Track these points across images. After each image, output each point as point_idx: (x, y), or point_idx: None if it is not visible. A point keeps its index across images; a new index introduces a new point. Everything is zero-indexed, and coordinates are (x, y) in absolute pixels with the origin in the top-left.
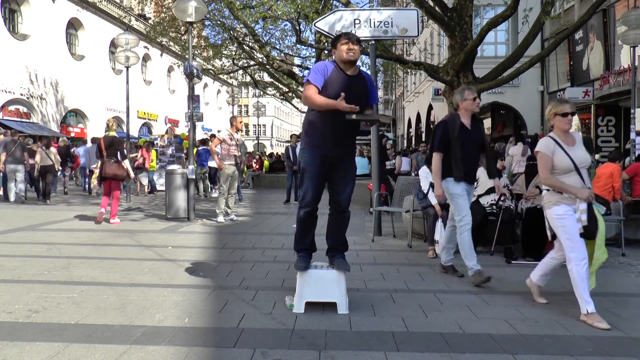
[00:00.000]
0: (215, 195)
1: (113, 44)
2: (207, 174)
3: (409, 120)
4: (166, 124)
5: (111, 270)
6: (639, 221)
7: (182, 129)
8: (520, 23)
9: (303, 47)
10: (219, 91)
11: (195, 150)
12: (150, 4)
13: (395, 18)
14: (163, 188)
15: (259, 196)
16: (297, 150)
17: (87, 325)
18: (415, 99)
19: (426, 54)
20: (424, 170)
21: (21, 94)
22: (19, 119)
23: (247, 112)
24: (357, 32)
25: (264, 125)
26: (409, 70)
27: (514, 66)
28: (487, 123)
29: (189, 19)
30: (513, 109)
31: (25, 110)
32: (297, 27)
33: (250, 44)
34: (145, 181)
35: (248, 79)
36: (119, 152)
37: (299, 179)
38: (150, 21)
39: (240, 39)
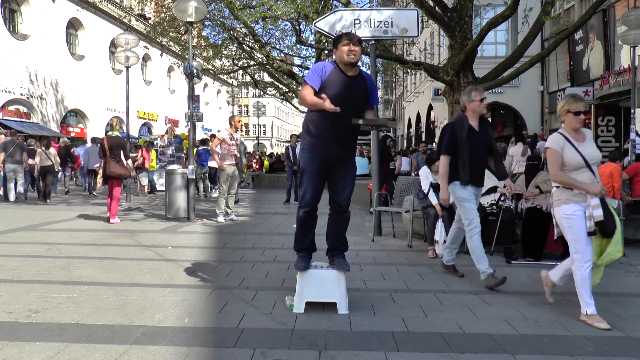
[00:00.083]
0: (215, 195)
1: (113, 44)
2: (207, 174)
3: (409, 120)
4: (166, 124)
5: (111, 270)
6: (639, 221)
7: (182, 129)
8: (520, 23)
9: (303, 47)
10: (219, 91)
11: (195, 150)
12: (150, 4)
13: (395, 18)
14: (163, 188)
15: (259, 196)
16: (297, 150)
17: (87, 325)
18: (415, 99)
19: (426, 54)
20: (424, 170)
21: (21, 94)
22: (19, 119)
23: (247, 112)
24: (357, 32)
25: (264, 125)
26: (409, 70)
27: (514, 66)
28: None
29: (189, 19)
30: (513, 109)
31: (25, 110)
32: (297, 27)
33: (250, 44)
34: (145, 181)
35: (248, 79)
36: (122, 152)
37: (298, 179)
38: (150, 21)
39: (240, 39)
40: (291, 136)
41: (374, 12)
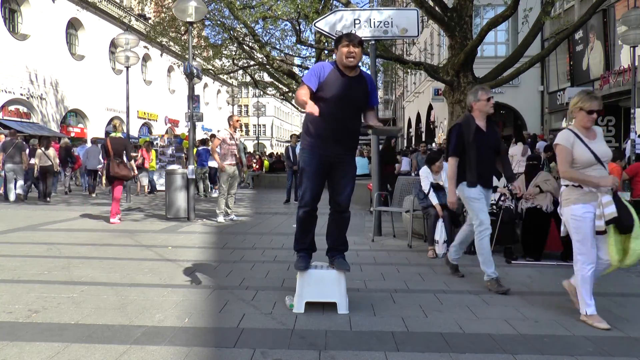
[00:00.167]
0: (215, 195)
1: (113, 44)
2: (207, 174)
3: (409, 120)
4: (166, 124)
5: (111, 270)
6: None
7: (182, 129)
8: (520, 23)
9: (303, 47)
10: (219, 91)
11: (195, 150)
12: (150, 4)
13: (395, 18)
14: (163, 188)
15: (259, 196)
16: (297, 150)
17: (87, 325)
18: (415, 99)
19: (426, 54)
20: (424, 170)
21: (21, 94)
22: (19, 119)
23: (247, 112)
24: (357, 32)
25: (264, 125)
26: (409, 70)
27: (514, 66)
28: None
29: (189, 19)
30: (513, 108)
31: (25, 110)
32: (297, 27)
33: (250, 44)
34: (145, 181)
35: (248, 79)
36: (125, 153)
37: (298, 179)
38: (150, 21)
39: (240, 39)
40: (291, 136)
41: (374, 12)
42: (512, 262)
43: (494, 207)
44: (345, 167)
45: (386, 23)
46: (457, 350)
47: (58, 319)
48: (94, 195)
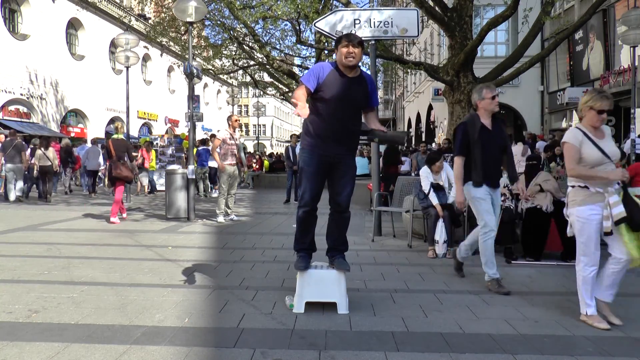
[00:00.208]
0: (215, 195)
1: (113, 44)
2: (207, 174)
3: (409, 120)
4: (166, 124)
5: (111, 270)
6: None
7: (182, 129)
8: (520, 23)
9: (303, 47)
10: (219, 91)
11: (195, 150)
12: (150, 4)
13: (396, 18)
14: (163, 188)
15: (259, 196)
16: (297, 150)
17: (87, 325)
18: (415, 99)
19: (426, 54)
20: (424, 170)
21: (21, 94)
22: (19, 119)
23: (247, 112)
24: (358, 32)
25: (264, 125)
26: (409, 70)
27: (514, 66)
28: None
29: (189, 19)
30: (513, 108)
31: (25, 110)
32: (297, 27)
33: (250, 44)
34: (145, 181)
35: (248, 79)
36: (127, 154)
37: (298, 179)
38: (150, 21)
39: (240, 39)
40: (291, 136)
41: (374, 12)
42: (512, 262)
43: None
44: (344, 167)
45: (386, 23)
46: (457, 350)
47: (58, 319)
48: (93, 195)
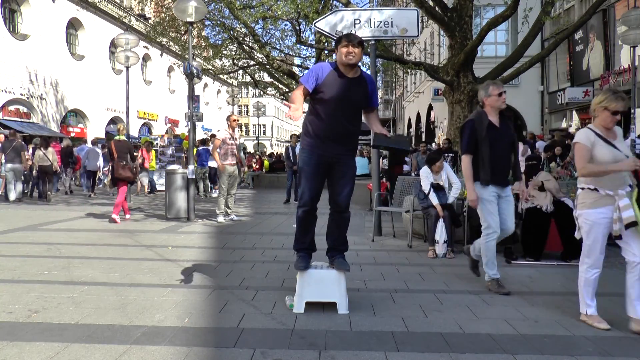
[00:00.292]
0: (215, 195)
1: (113, 44)
2: (207, 174)
3: (409, 120)
4: (166, 124)
5: (111, 270)
6: None
7: (182, 129)
8: (520, 23)
9: (303, 47)
10: (219, 91)
11: (195, 150)
12: (150, 4)
13: (396, 18)
14: (163, 188)
15: (259, 196)
16: (297, 150)
17: (87, 325)
18: (415, 99)
19: (426, 54)
20: (424, 170)
21: (21, 94)
22: (19, 119)
23: (247, 112)
24: (358, 32)
25: (264, 125)
26: (409, 70)
27: (514, 66)
28: None
29: (189, 19)
30: (513, 109)
31: (25, 110)
32: (297, 27)
33: (250, 44)
34: (145, 181)
35: (248, 79)
36: (129, 155)
37: (298, 179)
38: (150, 21)
39: (240, 39)
40: (291, 136)
41: (374, 12)
42: (512, 262)
43: None
44: (344, 167)
45: (386, 23)
46: (457, 350)
47: (58, 319)
48: (93, 195)
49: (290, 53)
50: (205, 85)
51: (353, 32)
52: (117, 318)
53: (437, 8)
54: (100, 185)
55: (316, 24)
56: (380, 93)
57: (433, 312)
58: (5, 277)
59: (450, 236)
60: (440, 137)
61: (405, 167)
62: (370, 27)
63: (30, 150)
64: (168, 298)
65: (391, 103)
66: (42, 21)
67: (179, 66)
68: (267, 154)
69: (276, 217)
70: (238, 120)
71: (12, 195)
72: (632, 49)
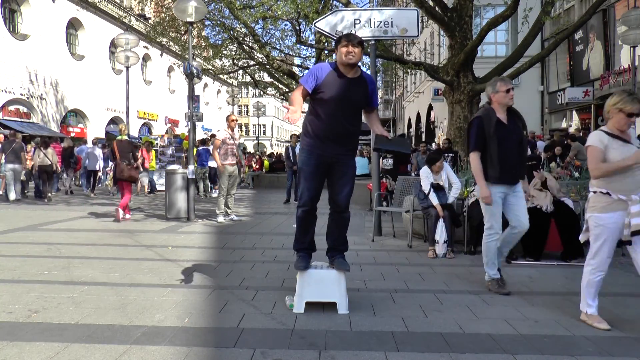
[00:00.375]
0: (215, 195)
1: (113, 44)
2: (207, 174)
3: (409, 120)
4: (166, 124)
5: (111, 270)
6: None
7: (182, 129)
8: (520, 23)
9: (303, 47)
10: (219, 91)
11: (195, 150)
12: (150, 4)
13: (396, 18)
14: (163, 188)
15: (259, 196)
16: (297, 150)
17: (87, 325)
18: (415, 99)
19: (426, 54)
20: (424, 170)
21: (21, 94)
22: (19, 119)
23: (247, 112)
24: (358, 32)
25: (264, 125)
26: (409, 70)
27: (514, 66)
28: None
29: (189, 19)
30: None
31: (25, 110)
32: (297, 27)
33: (250, 44)
34: (145, 181)
35: (248, 79)
36: (131, 155)
37: (297, 179)
38: (150, 21)
39: (240, 39)
40: (291, 136)
41: (374, 12)
42: (512, 262)
43: None
44: (344, 167)
45: (386, 23)
46: (457, 350)
47: (58, 319)
48: (93, 195)
49: (290, 53)
50: (205, 85)
51: (353, 32)
52: (117, 318)
53: (437, 8)
54: (100, 185)
55: (316, 24)
56: (380, 93)
57: (433, 312)
58: (5, 277)
59: (450, 236)
60: (440, 137)
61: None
62: (370, 27)
63: (32, 150)
64: (168, 298)
65: (391, 103)
66: (42, 21)
67: (179, 66)
68: (267, 154)
69: (276, 217)
70: (237, 120)
71: (12, 195)
72: (632, 49)
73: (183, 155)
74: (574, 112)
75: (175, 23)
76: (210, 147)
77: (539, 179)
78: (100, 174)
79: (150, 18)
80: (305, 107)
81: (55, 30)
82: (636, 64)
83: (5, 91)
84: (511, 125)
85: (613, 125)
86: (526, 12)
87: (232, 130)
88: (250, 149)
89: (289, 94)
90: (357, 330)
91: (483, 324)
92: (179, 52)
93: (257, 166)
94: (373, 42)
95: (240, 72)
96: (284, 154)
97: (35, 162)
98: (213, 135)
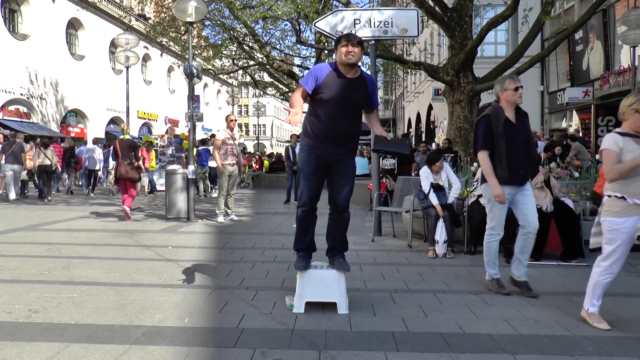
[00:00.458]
0: (215, 195)
1: (113, 44)
2: (207, 174)
3: (409, 120)
4: (166, 124)
5: (111, 270)
6: None
7: (182, 129)
8: (520, 23)
9: (303, 47)
10: (219, 91)
11: (195, 150)
12: (150, 4)
13: (396, 18)
14: (163, 188)
15: (259, 196)
16: (297, 150)
17: (87, 325)
18: (415, 99)
19: (426, 54)
20: (424, 171)
21: (21, 94)
22: (19, 119)
23: (247, 112)
24: (358, 32)
25: (264, 125)
26: (409, 70)
27: (514, 66)
28: None
29: (189, 19)
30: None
31: (25, 110)
32: (297, 27)
33: (250, 44)
34: (145, 181)
35: (248, 79)
36: (133, 154)
37: (297, 179)
38: (150, 21)
39: (240, 39)
40: (291, 136)
41: (374, 12)
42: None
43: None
44: (343, 167)
45: (386, 23)
46: (457, 350)
47: (58, 319)
48: (93, 195)
49: (290, 53)
50: (205, 85)
51: (353, 32)
52: (117, 318)
53: (437, 8)
54: (100, 184)
55: (316, 24)
56: (380, 93)
57: (433, 312)
58: (5, 277)
59: (450, 236)
60: (440, 137)
61: None
62: (371, 27)
63: (34, 150)
64: (168, 298)
65: (391, 103)
66: (42, 21)
67: (179, 66)
68: (267, 154)
69: (276, 217)
70: (236, 120)
71: (12, 195)
72: (632, 49)
73: (183, 155)
74: (574, 112)
75: (175, 23)
76: (211, 147)
77: (543, 175)
78: (100, 172)
79: (150, 18)
80: (306, 107)
81: (55, 30)
82: (636, 64)
83: (5, 91)
84: (519, 124)
85: (629, 127)
86: (526, 12)
87: (232, 130)
88: (250, 149)
89: (289, 94)
90: (357, 330)
91: (483, 324)
92: (179, 52)
93: (257, 166)
94: (373, 42)
95: (240, 72)
96: (284, 154)
97: (35, 162)
98: (213, 135)
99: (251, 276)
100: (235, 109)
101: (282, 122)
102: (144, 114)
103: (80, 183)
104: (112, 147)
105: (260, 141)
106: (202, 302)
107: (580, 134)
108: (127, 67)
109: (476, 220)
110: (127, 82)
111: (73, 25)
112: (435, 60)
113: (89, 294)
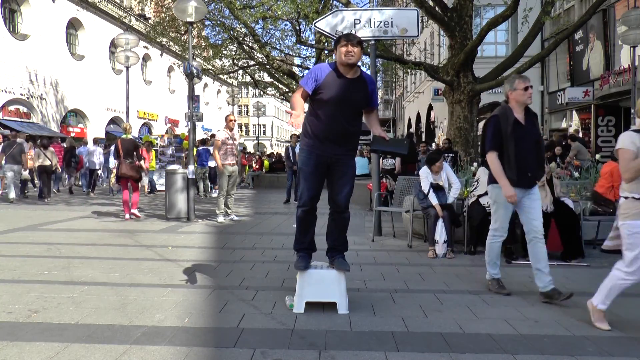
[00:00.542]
0: (215, 195)
1: (113, 44)
2: (207, 174)
3: (409, 120)
4: (166, 124)
5: (111, 270)
6: None
7: (182, 129)
8: (520, 23)
9: (303, 47)
10: (219, 91)
11: (195, 150)
12: (150, 4)
13: (396, 18)
14: (163, 188)
15: (259, 196)
16: (297, 150)
17: (87, 325)
18: (415, 99)
19: (426, 54)
20: (424, 171)
21: (21, 94)
22: (19, 119)
23: (247, 112)
24: (358, 32)
25: (264, 125)
26: (409, 70)
27: (514, 66)
28: None
29: (189, 19)
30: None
31: (25, 110)
32: (297, 27)
33: (250, 44)
34: (145, 181)
35: (248, 79)
36: (135, 154)
37: (297, 179)
38: (150, 21)
39: (240, 39)
40: (291, 136)
41: (374, 12)
42: (512, 262)
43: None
44: (343, 167)
45: (386, 23)
46: (457, 350)
47: (58, 319)
48: (93, 194)
49: (290, 53)
50: (205, 85)
51: (353, 32)
52: (117, 318)
53: (437, 8)
54: (100, 183)
55: (316, 24)
56: (380, 93)
57: (433, 312)
58: (5, 277)
59: (450, 236)
60: (440, 137)
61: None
62: (371, 27)
63: (33, 150)
64: (168, 298)
65: (391, 103)
66: (42, 21)
67: (179, 66)
68: (267, 154)
69: (276, 217)
70: (235, 120)
71: (12, 195)
72: (632, 49)
73: (183, 155)
74: (574, 112)
75: (175, 23)
76: (211, 147)
77: (545, 173)
78: (99, 171)
79: (150, 18)
80: (306, 107)
81: (55, 30)
82: (636, 64)
83: (5, 91)
84: (529, 125)
85: None
86: (526, 12)
87: (231, 130)
88: (250, 149)
89: (289, 94)
90: (357, 330)
91: (483, 324)
92: (179, 52)
93: (257, 166)
94: (373, 42)
95: (240, 72)
96: (284, 154)
97: (35, 163)
98: (213, 136)
99: (251, 276)
100: (235, 109)
101: (282, 122)
102: (144, 114)
103: (80, 183)
104: (114, 147)
105: (260, 141)
106: (202, 302)
107: (580, 134)
108: (127, 67)
109: (476, 221)
110: (127, 82)
111: (73, 25)
112: (435, 60)
113: (89, 294)
